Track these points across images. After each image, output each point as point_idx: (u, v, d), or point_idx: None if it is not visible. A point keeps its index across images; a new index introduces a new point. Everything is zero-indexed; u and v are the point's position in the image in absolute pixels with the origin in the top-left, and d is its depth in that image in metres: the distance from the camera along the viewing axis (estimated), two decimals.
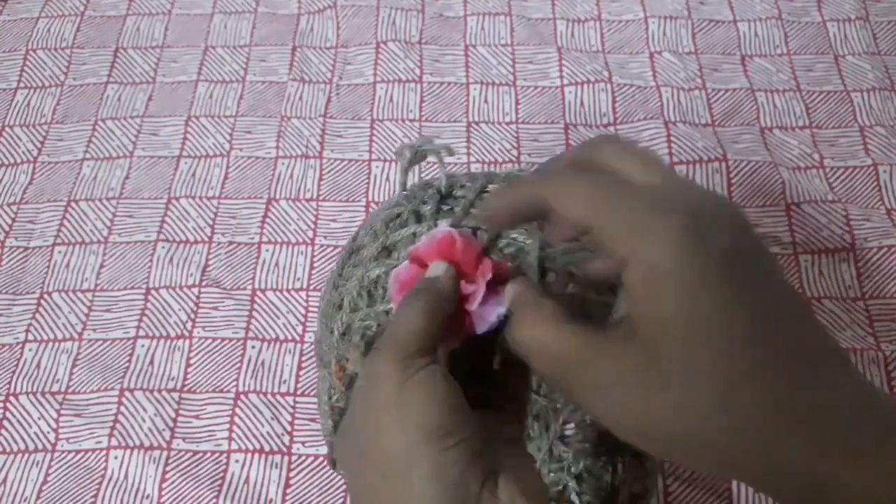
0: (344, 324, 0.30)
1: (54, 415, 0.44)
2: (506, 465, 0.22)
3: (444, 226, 0.27)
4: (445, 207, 0.29)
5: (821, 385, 0.18)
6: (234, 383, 0.45)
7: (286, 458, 0.43)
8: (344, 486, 0.42)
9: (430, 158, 0.30)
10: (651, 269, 0.18)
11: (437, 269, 0.25)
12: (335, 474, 0.42)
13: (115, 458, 0.43)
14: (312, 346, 0.45)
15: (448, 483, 0.20)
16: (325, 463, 0.43)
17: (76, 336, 0.47)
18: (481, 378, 0.26)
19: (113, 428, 0.44)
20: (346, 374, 0.30)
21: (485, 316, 0.25)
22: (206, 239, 0.50)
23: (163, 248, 0.50)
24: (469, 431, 0.21)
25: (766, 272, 0.19)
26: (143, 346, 0.46)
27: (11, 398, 0.45)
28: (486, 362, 0.27)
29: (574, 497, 0.35)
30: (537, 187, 0.22)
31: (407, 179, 0.30)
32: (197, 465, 0.43)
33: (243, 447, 0.43)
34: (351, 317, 0.29)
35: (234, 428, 0.44)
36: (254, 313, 0.47)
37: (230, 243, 0.50)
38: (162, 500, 0.42)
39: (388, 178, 0.53)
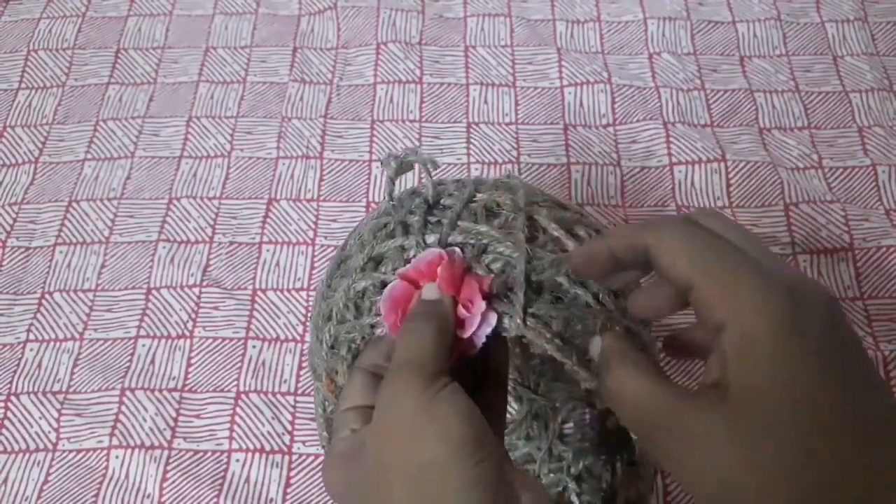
0: (332, 336, 0.30)
1: (55, 414, 0.44)
2: (523, 486, 0.22)
3: (433, 245, 0.27)
4: (433, 219, 0.29)
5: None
6: (235, 383, 0.45)
7: (287, 457, 0.43)
8: None
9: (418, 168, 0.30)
10: (750, 337, 0.19)
11: (430, 291, 0.25)
12: None
13: (116, 457, 0.43)
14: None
15: (487, 490, 0.21)
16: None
17: (77, 336, 0.47)
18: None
19: (114, 427, 0.44)
20: (337, 387, 0.30)
21: (476, 341, 0.25)
22: (207, 239, 0.51)
23: (164, 248, 0.50)
24: (495, 444, 0.22)
25: (855, 353, 0.20)
26: (143, 345, 0.47)
27: (12, 398, 0.45)
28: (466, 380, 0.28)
29: (574, 498, 0.35)
30: (642, 235, 0.21)
31: (394, 188, 0.30)
32: (198, 465, 0.43)
33: (244, 447, 0.43)
34: (338, 329, 0.29)
35: (235, 427, 0.44)
36: (254, 313, 0.47)
37: (231, 243, 0.50)
38: (163, 499, 0.42)
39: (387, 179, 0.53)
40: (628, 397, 0.21)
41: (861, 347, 0.20)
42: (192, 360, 0.46)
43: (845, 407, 0.18)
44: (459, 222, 0.28)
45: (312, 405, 0.44)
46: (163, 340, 0.47)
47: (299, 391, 0.45)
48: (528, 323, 0.25)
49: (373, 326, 0.27)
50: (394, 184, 0.29)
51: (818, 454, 0.18)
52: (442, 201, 0.30)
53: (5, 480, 0.43)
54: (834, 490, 0.18)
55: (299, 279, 0.49)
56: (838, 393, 0.18)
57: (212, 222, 0.51)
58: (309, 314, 0.47)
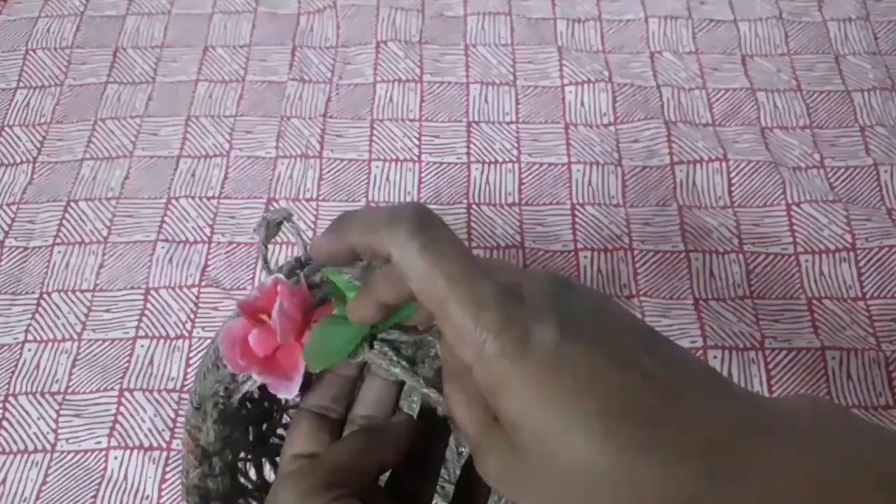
0: (198, 395, 0.29)
1: (54, 415, 0.44)
2: None
3: (271, 277, 0.26)
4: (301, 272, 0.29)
5: (678, 415, 0.17)
6: None
7: None
8: None
9: (288, 229, 0.30)
10: (491, 378, 0.18)
11: (399, 417, 0.24)
12: None
13: (115, 458, 0.43)
14: None
15: None
16: None
17: (76, 336, 0.47)
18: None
19: (112, 428, 0.43)
20: (197, 447, 0.29)
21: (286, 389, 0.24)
22: (206, 239, 0.50)
23: (162, 248, 0.50)
24: None
25: (600, 339, 0.19)
26: (142, 346, 0.46)
27: (11, 398, 0.45)
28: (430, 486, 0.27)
29: None
30: (383, 244, 0.20)
31: (267, 252, 0.29)
32: None
33: None
34: (203, 386, 0.29)
35: None
36: None
37: (230, 243, 0.50)
38: (161, 500, 0.42)
39: (388, 179, 0.53)
40: (462, 428, 0.21)
41: (601, 303, 0.20)
42: (192, 361, 0.46)
43: (596, 398, 0.18)
44: (328, 271, 0.27)
45: None
46: (161, 341, 0.46)
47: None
48: (374, 347, 0.24)
49: (234, 376, 0.27)
50: (266, 248, 0.29)
51: (586, 468, 0.17)
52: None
53: (4, 481, 0.42)
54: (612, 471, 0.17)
55: None
56: (586, 382, 0.18)
57: (210, 222, 0.51)
58: None
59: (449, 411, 0.21)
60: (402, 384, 0.26)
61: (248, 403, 0.30)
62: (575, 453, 0.17)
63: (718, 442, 0.17)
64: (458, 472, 0.36)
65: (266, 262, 0.28)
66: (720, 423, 0.18)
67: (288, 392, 0.24)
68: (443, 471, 0.39)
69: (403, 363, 0.24)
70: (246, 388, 0.27)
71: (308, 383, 0.25)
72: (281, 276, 0.25)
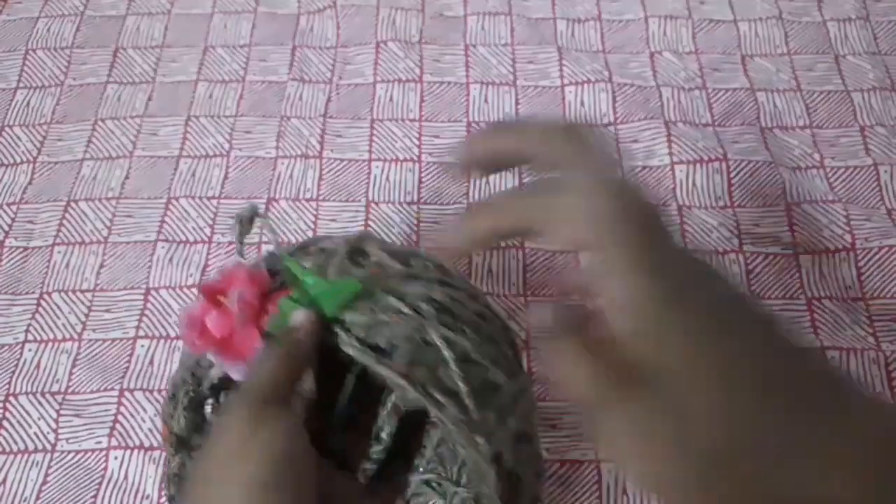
0: (171, 384, 0.30)
1: (54, 415, 0.44)
2: None
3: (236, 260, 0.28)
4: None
5: (835, 420, 0.18)
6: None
7: None
8: None
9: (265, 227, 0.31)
10: (642, 316, 0.19)
11: (298, 316, 0.25)
12: None
13: (115, 458, 0.43)
14: None
15: None
16: None
17: (76, 336, 0.47)
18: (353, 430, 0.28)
19: (113, 428, 0.44)
20: (171, 434, 0.30)
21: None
22: (206, 239, 0.50)
23: (162, 248, 0.50)
24: (304, 487, 0.22)
25: (751, 314, 0.20)
26: (142, 346, 0.46)
27: (11, 398, 0.45)
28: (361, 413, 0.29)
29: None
30: (525, 209, 0.20)
31: (243, 248, 0.30)
32: None
33: None
34: (175, 376, 0.30)
35: None
36: None
37: (230, 243, 0.50)
38: (162, 500, 0.42)
39: (388, 179, 0.53)
40: (575, 388, 0.20)
41: (747, 302, 0.20)
42: None
43: (748, 374, 0.18)
44: (284, 256, 0.28)
45: None
46: (162, 341, 0.46)
47: None
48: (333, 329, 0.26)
49: (198, 361, 0.28)
50: (242, 244, 0.30)
51: (746, 429, 0.18)
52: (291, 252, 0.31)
53: (4, 481, 0.42)
54: (780, 457, 0.18)
55: None
56: (742, 352, 0.18)
57: (210, 222, 0.51)
58: None
59: (559, 374, 0.20)
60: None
61: (223, 393, 0.31)
62: (733, 432, 0.18)
63: (887, 457, 0.18)
64: (455, 468, 0.37)
65: (241, 256, 0.29)
66: (886, 438, 0.18)
67: (243, 374, 0.25)
68: (440, 468, 0.39)
69: (354, 342, 0.26)
70: (213, 374, 0.28)
71: None
72: (242, 261, 0.27)
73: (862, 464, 0.17)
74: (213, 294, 0.26)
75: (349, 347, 0.26)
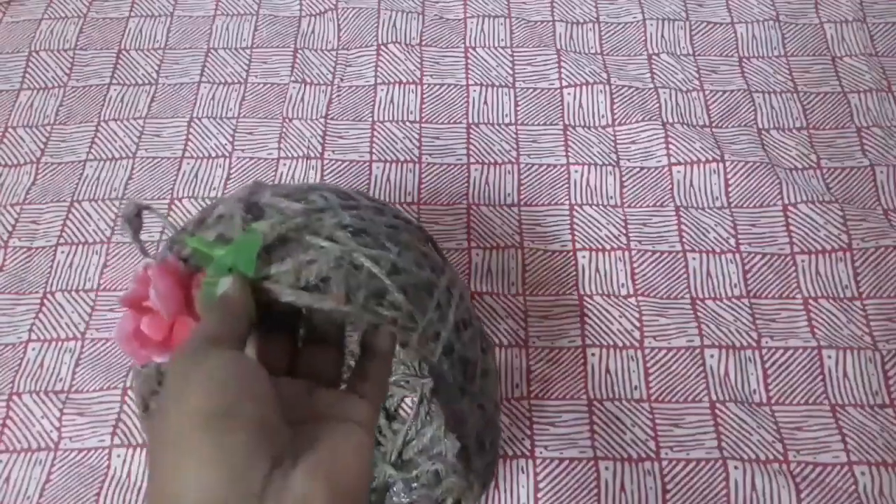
0: (140, 397, 0.32)
1: (57, 414, 0.45)
2: (321, 445, 0.22)
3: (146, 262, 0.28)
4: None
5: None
6: None
7: None
8: None
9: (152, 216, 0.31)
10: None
11: (222, 284, 0.26)
12: None
13: (118, 456, 0.43)
14: None
15: (227, 468, 0.20)
16: None
17: (79, 335, 0.47)
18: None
19: (116, 427, 0.44)
20: (142, 400, 0.31)
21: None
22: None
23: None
24: (260, 413, 0.21)
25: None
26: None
27: (14, 397, 0.45)
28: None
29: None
30: None
31: (142, 244, 0.30)
32: None
33: None
34: (139, 387, 0.31)
35: None
36: None
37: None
38: None
39: (388, 180, 0.53)
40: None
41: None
42: None
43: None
44: (187, 238, 0.29)
45: None
46: None
47: None
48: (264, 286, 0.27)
49: (158, 368, 0.29)
50: (140, 241, 0.30)
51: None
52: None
53: (7, 479, 0.43)
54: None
55: None
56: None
57: None
58: None
59: None
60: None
61: None
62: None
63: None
64: (417, 363, 0.40)
65: (144, 252, 0.30)
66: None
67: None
68: (404, 367, 0.43)
69: (287, 290, 0.26)
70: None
71: None
72: (149, 260, 0.27)
73: None
74: (136, 303, 0.26)
75: (284, 295, 0.26)
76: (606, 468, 0.42)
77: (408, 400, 0.42)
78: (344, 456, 0.23)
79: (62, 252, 0.50)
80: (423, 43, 0.60)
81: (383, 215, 0.32)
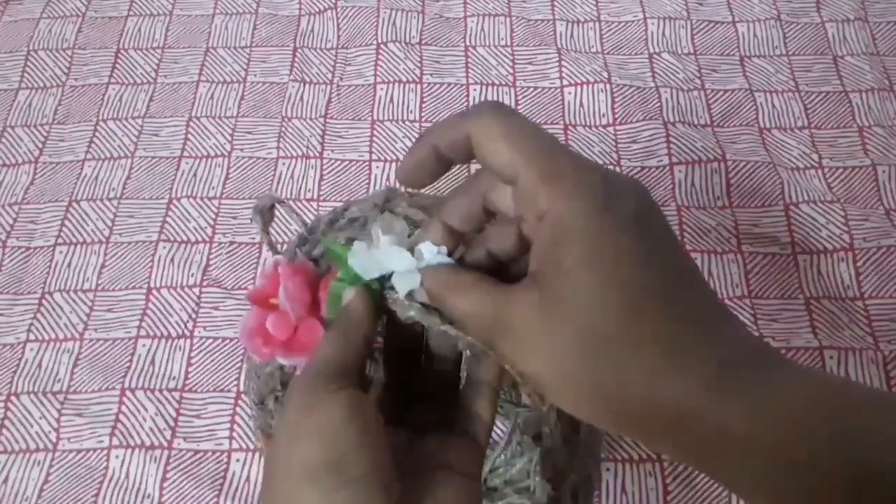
0: (257, 394, 0.29)
1: (55, 414, 0.44)
2: (432, 497, 0.21)
3: (272, 258, 0.27)
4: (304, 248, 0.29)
5: (706, 331, 0.19)
6: (235, 383, 0.45)
7: None
8: None
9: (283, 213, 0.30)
10: (564, 220, 0.19)
11: (346, 296, 0.24)
12: None
13: (117, 457, 0.43)
14: None
15: None
16: None
17: (77, 336, 0.47)
18: (444, 399, 0.26)
19: (114, 427, 0.44)
20: (261, 398, 0.30)
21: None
22: (208, 239, 0.51)
23: (164, 248, 0.50)
24: (369, 467, 0.20)
25: (663, 238, 0.20)
26: (144, 345, 0.47)
27: (13, 398, 0.45)
28: (449, 384, 0.27)
29: (536, 486, 0.35)
30: (463, 125, 0.21)
31: (270, 238, 0.30)
32: (198, 465, 0.43)
33: (244, 446, 0.43)
34: (259, 384, 0.29)
35: (235, 427, 0.44)
36: None
37: (231, 243, 0.50)
38: (163, 499, 0.42)
39: (388, 179, 0.53)
40: (468, 315, 0.21)
41: (670, 233, 0.20)
42: (193, 360, 0.46)
43: (650, 272, 0.19)
44: (320, 237, 0.27)
45: None
46: (163, 340, 0.47)
47: None
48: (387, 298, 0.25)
49: (281, 367, 0.27)
50: (268, 234, 0.29)
51: (621, 319, 0.18)
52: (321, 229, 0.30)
53: (6, 480, 0.43)
54: (639, 348, 0.18)
55: None
56: (642, 260, 0.19)
57: (212, 222, 0.51)
58: None
59: (458, 301, 0.21)
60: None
61: None
62: (608, 321, 0.18)
63: (740, 363, 0.18)
64: (513, 391, 0.37)
65: (272, 247, 0.29)
66: (743, 348, 0.19)
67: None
68: (502, 392, 0.40)
69: (417, 304, 0.24)
70: (287, 371, 0.27)
71: None
72: (280, 257, 0.26)
73: (707, 377, 0.18)
74: (263, 299, 0.25)
75: (411, 310, 0.24)
76: (608, 469, 0.42)
77: (500, 423, 0.41)
78: None
79: (60, 252, 0.50)
80: (423, 42, 0.59)
81: None
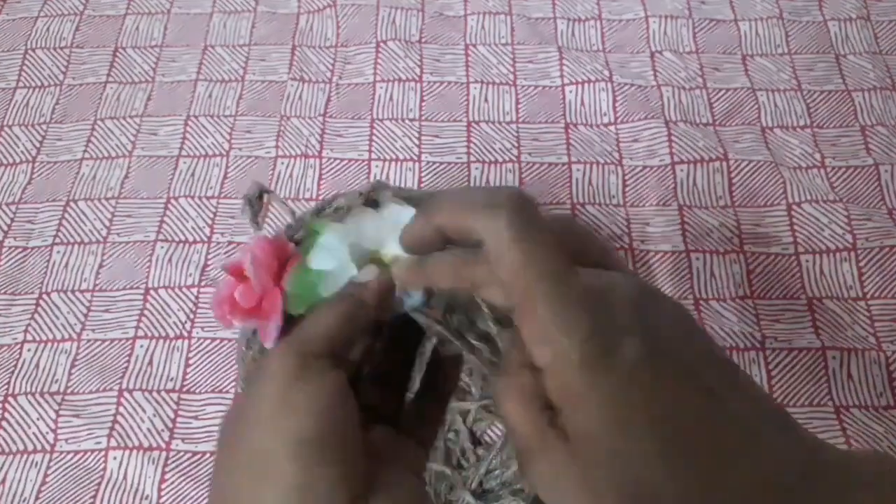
0: (244, 380, 0.30)
1: (53, 415, 0.44)
2: (384, 488, 0.21)
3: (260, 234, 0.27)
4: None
5: (754, 455, 0.17)
6: (234, 384, 0.45)
7: None
8: None
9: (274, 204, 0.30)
10: (565, 379, 0.18)
11: (367, 273, 0.24)
12: None
13: (114, 458, 0.43)
14: None
15: (312, 498, 0.19)
16: None
17: (75, 336, 0.47)
18: (401, 392, 0.26)
19: (112, 428, 0.43)
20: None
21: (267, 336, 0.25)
22: (206, 239, 0.50)
23: (162, 247, 0.50)
24: (348, 451, 0.20)
25: (681, 359, 0.18)
26: (142, 346, 0.46)
27: (10, 398, 0.45)
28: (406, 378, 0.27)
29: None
30: (471, 221, 0.20)
31: (259, 227, 0.30)
32: (196, 466, 0.43)
33: None
34: (244, 368, 0.29)
35: None
36: None
37: (229, 243, 0.50)
38: (161, 500, 0.42)
39: (387, 178, 0.52)
40: (514, 428, 0.20)
41: (688, 324, 0.19)
42: (191, 361, 0.46)
43: (668, 432, 0.17)
44: (308, 219, 0.27)
45: None
46: (161, 341, 0.46)
47: None
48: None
49: (262, 345, 0.27)
50: (259, 225, 0.29)
51: (649, 488, 0.17)
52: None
53: (3, 481, 0.42)
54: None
55: None
56: (658, 424, 0.17)
57: (210, 222, 0.51)
58: None
59: (500, 408, 0.20)
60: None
61: None
62: (645, 478, 0.17)
63: (795, 487, 0.17)
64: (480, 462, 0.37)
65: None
66: (795, 468, 0.18)
67: (268, 335, 0.25)
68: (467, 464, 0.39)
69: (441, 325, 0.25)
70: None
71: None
72: (261, 232, 0.26)
73: None
74: (236, 270, 0.26)
75: (439, 327, 0.25)
76: None
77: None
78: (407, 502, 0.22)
79: (58, 252, 0.50)
80: (423, 40, 0.59)
81: None
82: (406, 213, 0.24)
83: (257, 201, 0.29)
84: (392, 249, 0.24)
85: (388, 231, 0.24)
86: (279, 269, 0.25)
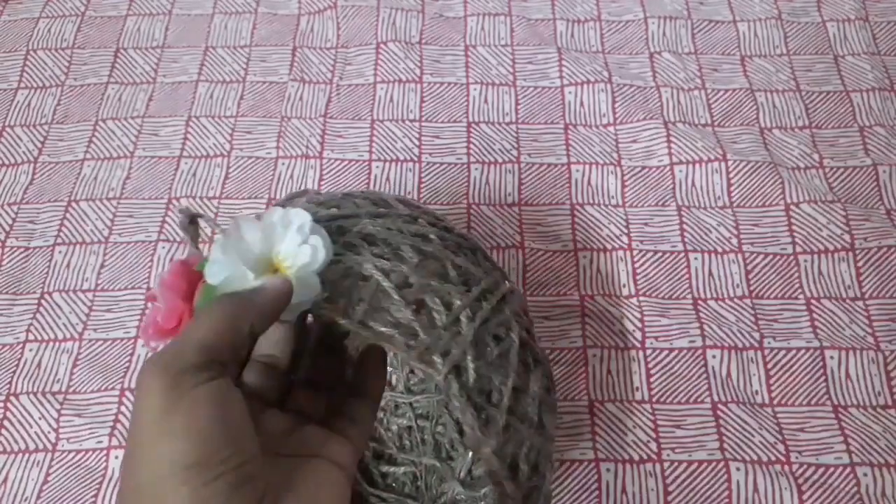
0: None
1: (55, 415, 0.44)
2: (301, 485, 0.22)
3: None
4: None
5: None
6: None
7: None
8: None
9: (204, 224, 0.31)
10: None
11: (271, 280, 0.24)
12: None
13: (116, 457, 0.43)
14: None
15: None
16: None
17: (77, 336, 0.47)
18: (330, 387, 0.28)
19: (114, 428, 0.44)
20: None
21: None
22: (207, 239, 0.50)
23: (163, 248, 0.50)
24: (239, 458, 0.21)
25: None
26: (143, 346, 0.46)
27: (12, 398, 0.45)
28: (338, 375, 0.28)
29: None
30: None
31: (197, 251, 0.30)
32: None
33: None
34: None
35: None
36: None
37: None
38: None
39: (388, 179, 0.53)
40: None
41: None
42: None
43: None
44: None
45: None
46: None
47: None
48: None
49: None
50: (199, 250, 0.30)
51: None
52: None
53: (5, 480, 0.43)
54: None
55: None
56: None
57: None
58: None
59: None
60: (299, 328, 0.29)
61: None
62: None
63: None
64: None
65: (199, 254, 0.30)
66: None
67: None
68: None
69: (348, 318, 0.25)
70: None
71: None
72: (182, 258, 0.27)
73: None
74: (153, 296, 0.27)
75: (345, 321, 0.25)
76: (608, 470, 0.42)
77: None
78: (325, 500, 0.23)
79: (59, 252, 0.50)
80: (423, 41, 0.59)
81: (414, 224, 0.30)
82: (290, 211, 0.25)
83: (191, 227, 0.29)
84: (283, 248, 0.24)
85: (272, 232, 0.24)
86: (188, 289, 0.26)
